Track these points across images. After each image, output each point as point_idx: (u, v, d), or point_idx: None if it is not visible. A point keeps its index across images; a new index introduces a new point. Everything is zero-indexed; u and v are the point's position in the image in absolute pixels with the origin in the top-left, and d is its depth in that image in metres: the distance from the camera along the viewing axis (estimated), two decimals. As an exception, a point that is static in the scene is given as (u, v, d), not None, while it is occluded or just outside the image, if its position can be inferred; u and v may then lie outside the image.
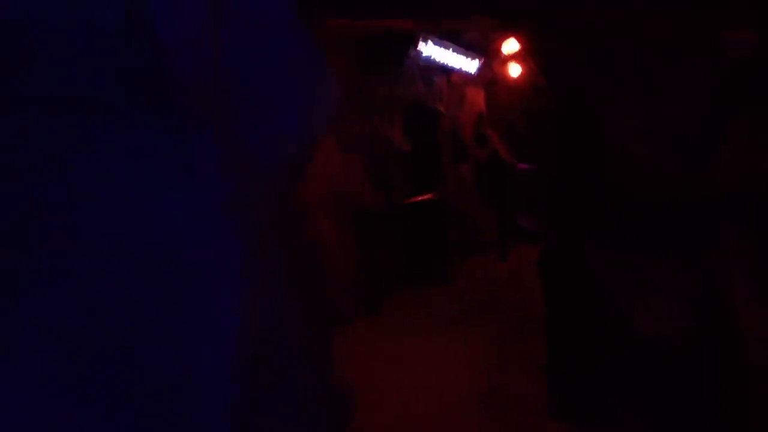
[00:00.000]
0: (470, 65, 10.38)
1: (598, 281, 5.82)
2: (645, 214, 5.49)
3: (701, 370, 5.49)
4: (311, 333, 3.46)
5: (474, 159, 11.56)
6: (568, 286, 6.25)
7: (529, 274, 8.39)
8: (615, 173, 5.49)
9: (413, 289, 9.32)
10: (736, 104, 4.81)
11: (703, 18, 4.63)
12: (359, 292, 8.22)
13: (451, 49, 9.72)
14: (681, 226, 5.47)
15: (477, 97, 11.46)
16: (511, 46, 9.00)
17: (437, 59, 9.48)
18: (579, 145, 5.96)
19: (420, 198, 9.94)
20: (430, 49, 9.23)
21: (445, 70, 10.13)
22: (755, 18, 4.56)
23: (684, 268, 5.50)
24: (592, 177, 5.89)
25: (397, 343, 7.46)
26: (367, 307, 8.31)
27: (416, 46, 8.92)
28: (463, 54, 10.07)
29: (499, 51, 9.96)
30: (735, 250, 5.38)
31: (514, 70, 10.64)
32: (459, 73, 10.36)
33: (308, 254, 4.66)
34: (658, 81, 5.25)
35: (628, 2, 4.73)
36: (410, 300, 8.99)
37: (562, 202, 6.42)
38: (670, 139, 5.29)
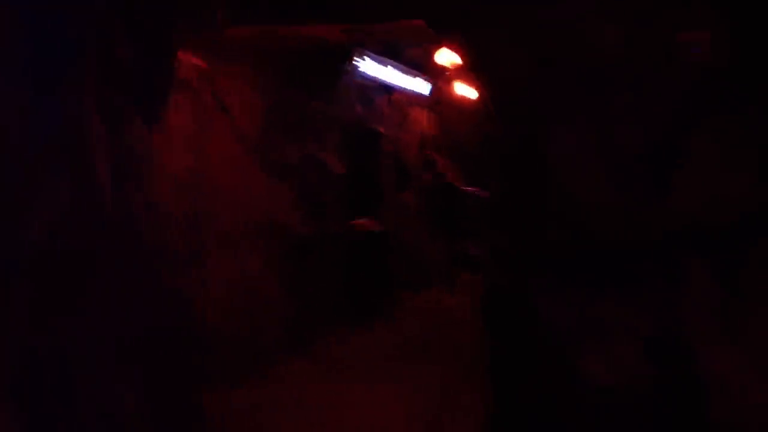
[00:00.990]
0: (413, 84, 9.74)
1: (544, 322, 5.12)
2: (595, 246, 4.82)
3: (660, 421, 4.86)
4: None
5: (419, 184, 10.89)
6: (513, 326, 5.57)
7: (478, 307, 7.77)
8: (560, 202, 4.81)
9: (350, 325, 8.53)
10: (697, 120, 4.16)
11: (656, 19, 3.98)
12: (286, 331, 7.42)
13: (391, 67, 9.05)
14: (635, 259, 4.82)
15: (421, 118, 10.82)
16: (444, 57, 8.35)
17: (376, 77, 8.80)
18: (522, 170, 5.30)
19: (359, 225, 9.20)
20: (367, 66, 8.54)
21: (386, 89, 9.46)
22: (713, 18, 3.93)
23: (639, 307, 4.85)
24: (536, 206, 5.22)
25: (326, 387, 6.66)
26: (296, 346, 7.50)
27: (352, 62, 8.22)
28: (405, 72, 9.41)
29: (444, 69, 9.32)
30: (696, 287, 4.75)
31: (461, 88, 10.04)
32: (401, 92, 9.69)
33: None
34: (609, 96, 4.60)
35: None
36: (346, 338, 8.19)
37: (505, 233, 5.74)
38: (624, 163, 4.64)
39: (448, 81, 10.21)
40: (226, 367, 6.34)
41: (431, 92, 10.03)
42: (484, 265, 10.06)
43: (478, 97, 10.71)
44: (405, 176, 10.54)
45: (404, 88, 9.56)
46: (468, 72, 8.39)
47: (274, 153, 7.38)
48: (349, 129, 8.90)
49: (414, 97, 10.08)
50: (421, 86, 9.82)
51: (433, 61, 8.98)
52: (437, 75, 9.85)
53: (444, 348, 8.14)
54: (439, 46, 8.00)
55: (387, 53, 8.87)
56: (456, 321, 9.26)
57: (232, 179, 6.74)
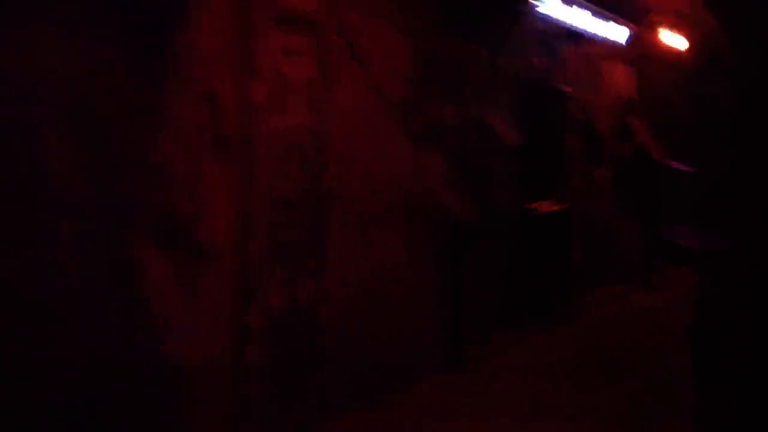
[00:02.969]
0: (611, 31, 7.87)
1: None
2: None
3: None
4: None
5: (614, 156, 9.03)
6: (737, 370, 3.79)
7: (685, 312, 6.07)
8: None
9: (518, 331, 6.96)
10: None
11: None
12: (433, 340, 5.96)
13: (580, 7, 7.25)
14: None
15: (619, 74, 8.92)
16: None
17: (562, 20, 7.05)
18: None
19: (537, 208, 7.56)
20: (549, 6, 6.80)
21: (574, 37, 7.68)
22: None
23: None
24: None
25: (476, 421, 5.12)
26: (448, 359, 6.06)
27: (529, 1, 6.53)
28: (600, 15, 7.56)
29: (647, 9, 7.40)
30: None
31: (674, 39, 8.09)
32: (593, 40, 7.87)
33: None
34: None
35: None
36: (510, 348, 6.63)
37: (734, 230, 3.90)
38: None
39: (652, 26, 8.27)
40: (351, 387, 5.00)
41: (630, 41, 8.11)
42: (695, 260, 8.14)
43: (692, 47, 8.77)
44: (597, 147, 8.74)
45: (597, 36, 7.72)
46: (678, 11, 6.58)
47: (424, 115, 5.88)
48: (526, 87, 7.26)
49: (609, 48, 8.22)
50: (617, 33, 7.92)
51: (635, 2, 7.12)
52: (638, 18, 7.94)
53: (637, 365, 6.37)
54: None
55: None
56: (654, 328, 7.49)
57: (367, 146, 5.33)
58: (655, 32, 8.53)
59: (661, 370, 6.06)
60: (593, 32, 7.68)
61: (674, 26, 8.18)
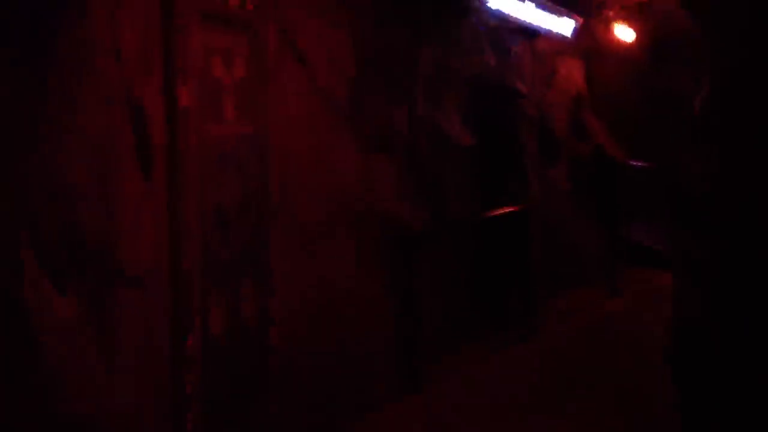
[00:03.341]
0: (563, 26, 7.55)
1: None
2: None
3: None
4: None
5: (570, 157, 8.74)
6: (727, 397, 3.47)
7: (654, 318, 5.78)
8: None
9: (478, 345, 6.56)
10: None
11: None
12: (392, 357, 5.57)
13: (532, 3, 6.92)
14: None
15: (574, 72, 8.64)
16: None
17: (513, 15, 6.71)
18: (756, 140, 3.16)
19: (497, 212, 7.24)
20: (501, 2, 6.47)
21: (527, 33, 7.34)
22: None
23: None
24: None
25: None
26: (404, 379, 5.65)
27: (480, -5, 6.20)
28: (552, 10, 7.25)
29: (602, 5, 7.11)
30: None
31: (625, 32, 7.82)
32: (548, 37, 7.54)
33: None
34: None
35: None
36: (470, 365, 6.20)
37: (714, 241, 3.58)
38: None
39: (608, 24, 7.99)
40: (299, 415, 4.58)
41: (578, 33, 7.81)
42: (658, 261, 7.90)
43: (644, 39, 8.56)
44: (553, 147, 8.42)
45: (549, 31, 7.39)
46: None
47: (371, 118, 5.48)
48: (478, 86, 6.89)
49: (563, 44, 7.90)
50: (567, 27, 7.61)
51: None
52: (593, 15, 7.65)
53: (604, 380, 6.06)
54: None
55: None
56: (623, 338, 7.17)
57: (311, 153, 4.91)
58: (603, 24, 8.27)
59: (633, 385, 5.78)
60: (546, 27, 7.35)
61: (627, 19, 7.91)
